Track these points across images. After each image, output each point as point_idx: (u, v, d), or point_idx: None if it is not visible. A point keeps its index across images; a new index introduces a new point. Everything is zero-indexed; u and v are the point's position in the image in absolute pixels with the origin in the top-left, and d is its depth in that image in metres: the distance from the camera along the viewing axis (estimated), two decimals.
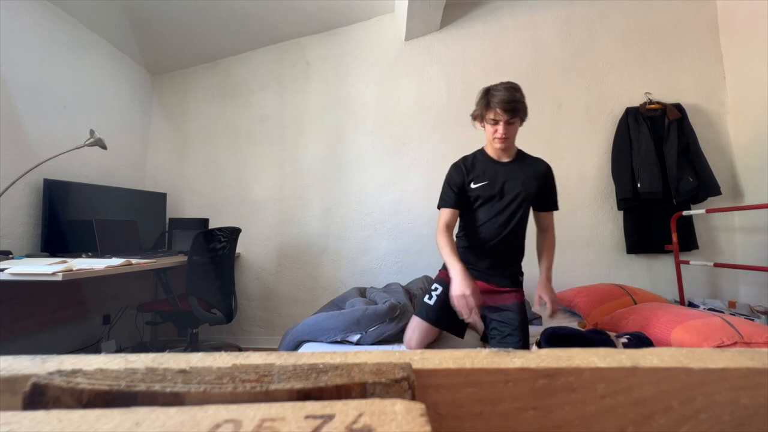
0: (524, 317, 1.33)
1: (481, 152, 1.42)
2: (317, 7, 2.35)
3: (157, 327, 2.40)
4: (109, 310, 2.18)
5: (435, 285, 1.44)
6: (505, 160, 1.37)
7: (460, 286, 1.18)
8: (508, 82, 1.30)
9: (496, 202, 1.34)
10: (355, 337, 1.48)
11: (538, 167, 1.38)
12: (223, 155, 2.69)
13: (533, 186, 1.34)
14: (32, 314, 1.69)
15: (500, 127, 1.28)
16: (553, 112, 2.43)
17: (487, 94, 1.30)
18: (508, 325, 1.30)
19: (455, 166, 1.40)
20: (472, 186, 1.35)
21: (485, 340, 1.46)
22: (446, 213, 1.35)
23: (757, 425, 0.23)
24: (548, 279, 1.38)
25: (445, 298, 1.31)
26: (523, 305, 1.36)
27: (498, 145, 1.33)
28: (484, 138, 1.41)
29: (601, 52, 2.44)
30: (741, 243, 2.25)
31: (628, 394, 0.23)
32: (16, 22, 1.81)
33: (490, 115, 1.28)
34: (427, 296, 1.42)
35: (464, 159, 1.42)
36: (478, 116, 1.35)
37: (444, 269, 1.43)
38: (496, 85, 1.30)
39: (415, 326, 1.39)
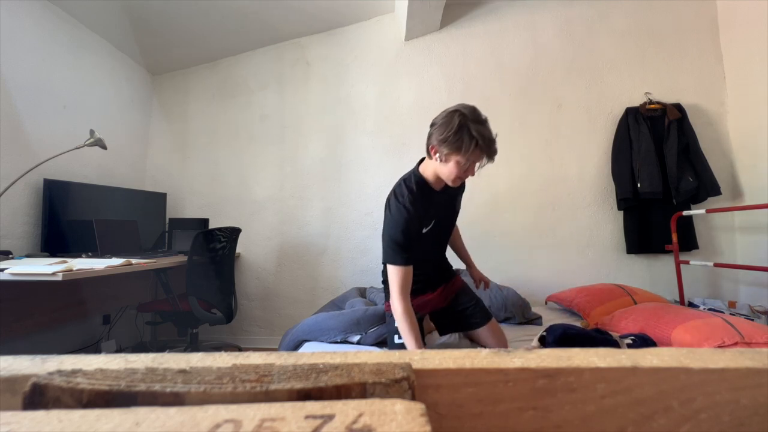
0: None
1: (419, 185, 1.16)
2: (317, 7, 2.35)
3: (157, 327, 2.40)
4: (109, 310, 2.18)
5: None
6: (441, 187, 1.19)
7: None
8: (482, 116, 1.06)
9: (438, 233, 1.27)
10: (356, 338, 1.48)
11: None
12: (223, 155, 2.69)
13: (460, 203, 1.35)
14: (32, 314, 1.69)
15: (472, 170, 1.09)
16: (553, 112, 2.43)
17: (470, 132, 1.02)
18: (471, 298, 1.39)
19: (409, 213, 1.11)
20: (423, 231, 1.17)
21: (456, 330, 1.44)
22: (403, 272, 1.10)
23: (757, 425, 0.23)
24: (473, 263, 1.48)
25: (437, 317, 1.37)
26: (465, 285, 1.46)
27: (455, 184, 1.13)
28: None
29: (601, 52, 2.44)
30: (741, 243, 2.25)
31: (628, 394, 0.23)
32: (16, 22, 1.81)
33: (472, 158, 1.05)
34: (396, 336, 1.23)
35: (412, 201, 1.12)
36: (448, 151, 1.05)
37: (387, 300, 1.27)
38: (479, 124, 1.03)
39: None
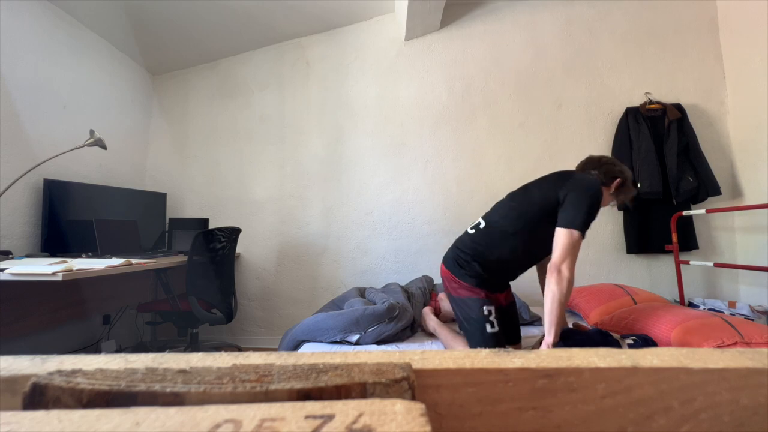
0: None
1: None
2: (317, 7, 2.35)
3: (157, 327, 2.40)
4: (109, 310, 2.18)
5: (485, 308, 1.27)
6: None
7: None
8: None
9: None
10: (355, 337, 1.48)
11: None
12: (223, 155, 2.69)
13: None
14: (32, 314, 1.69)
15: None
16: (553, 112, 2.43)
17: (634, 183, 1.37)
18: (515, 313, 1.47)
19: (600, 196, 1.21)
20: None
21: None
22: (580, 243, 1.12)
23: (757, 425, 0.23)
24: None
25: (500, 316, 1.29)
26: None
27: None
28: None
29: (601, 52, 2.44)
30: (741, 243, 2.25)
31: (628, 394, 0.23)
32: (16, 22, 1.81)
33: (626, 198, 1.34)
34: (488, 325, 1.26)
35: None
36: (621, 188, 1.30)
37: (474, 286, 1.29)
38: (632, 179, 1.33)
39: None
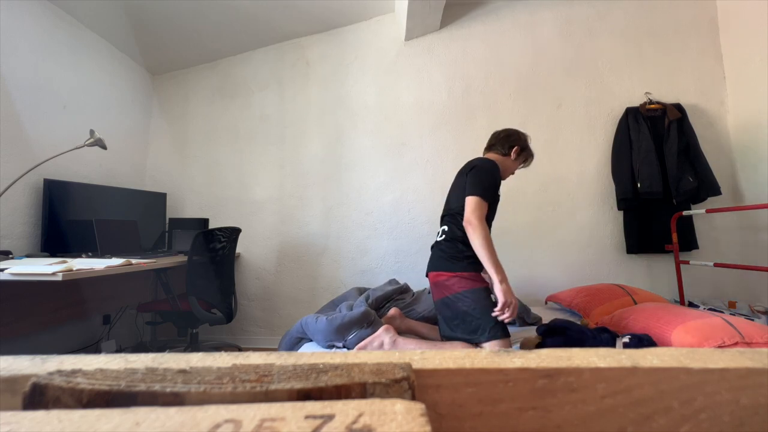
0: None
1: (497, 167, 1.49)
2: (317, 7, 2.35)
3: (157, 327, 2.40)
4: (109, 310, 2.18)
5: (492, 296, 1.33)
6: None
7: (511, 292, 1.24)
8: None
9: (494, 213, 1.47)
10: (339, 344, 1.47)
11: None
12: (223, 155, 2.69)
13: None
14: (32, 314, 1.69)
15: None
16: (553, 112, 2.43)
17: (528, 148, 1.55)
18: None
19: (497, 171, 1.42)
20: (495, 199, 1.43)
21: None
22: (485, 206, 1.32)
23: (757, 425, 0.23)
24: None
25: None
26: None
27: (504, 178, 1.50)
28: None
29: (601, 52, 2.44)
30: (741, 243, 2.25)
31: (628, 394, 0.23)
32: (16, 22, 1.81)
33: (529, 159, 1.57)
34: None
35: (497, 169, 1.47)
36: (521, 153, 1.53)
37: (473, 273, 1.36)
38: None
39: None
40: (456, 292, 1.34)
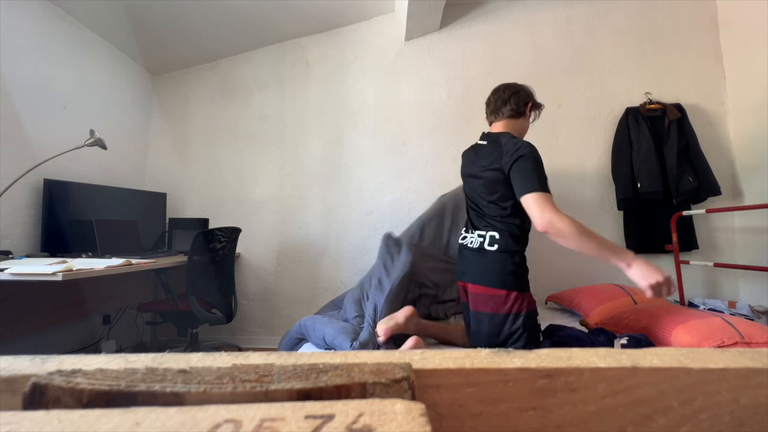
0: None
1: None
2: (317, 7, 2.35)
3: (157, 327, 2.40)
4: (109, 310, 2.18)
5: (538, 318, 1.23)
6: None
7: (657, 270, 0.97)
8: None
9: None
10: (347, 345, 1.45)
11: None
12: (223, 155, 2.69)
13: None
14: (32, 314, 1.69)
15: None
16: (553, 112, 2.43)
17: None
18: None
19: (535, 149, 1.19)
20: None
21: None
22: (550, 198, 1.12)
23: (757, 425, 0.23)
24: None
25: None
26: None
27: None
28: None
29: (601, 52, 2.44)
30: (741, 243, 2.25)
31: (628, 394, 0.23)
32: (16, 22, 1.81)
33: (539, 113, 1.37)
34: (541, 335, 1.26)
35: None
36: (533, 110, 1.35)
37: (529, 293, 1.22)
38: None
39: None
40: (507, 313, 1.19)
